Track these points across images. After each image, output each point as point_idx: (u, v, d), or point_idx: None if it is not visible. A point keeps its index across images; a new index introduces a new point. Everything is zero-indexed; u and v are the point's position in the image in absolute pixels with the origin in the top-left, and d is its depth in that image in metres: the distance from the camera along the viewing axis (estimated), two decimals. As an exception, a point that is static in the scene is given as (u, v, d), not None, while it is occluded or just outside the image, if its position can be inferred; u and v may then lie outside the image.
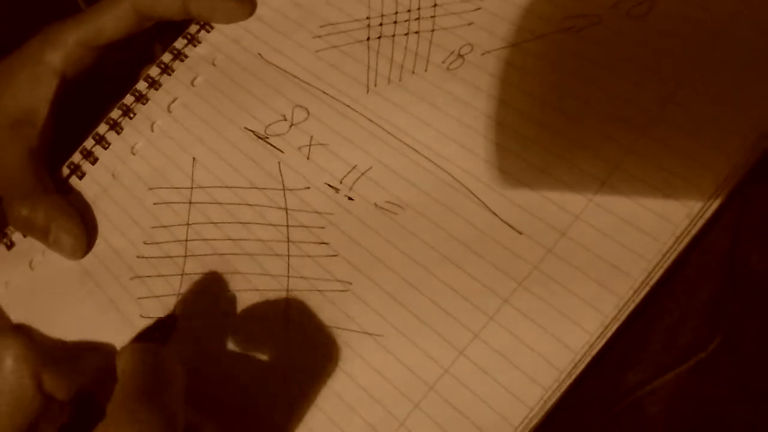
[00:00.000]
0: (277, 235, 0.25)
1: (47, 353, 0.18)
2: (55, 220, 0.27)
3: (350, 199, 0.25)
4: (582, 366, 0.20)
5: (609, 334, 0.20)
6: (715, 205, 0.21)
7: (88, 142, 0.30)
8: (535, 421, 0.20)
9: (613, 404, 0.22)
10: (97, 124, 0.31)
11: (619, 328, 0.20)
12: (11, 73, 0.30)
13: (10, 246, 0.30)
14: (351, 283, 0.23)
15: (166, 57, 0.31)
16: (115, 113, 0.30)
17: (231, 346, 0.24)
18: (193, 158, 0.28)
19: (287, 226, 0.25)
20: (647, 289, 0.21)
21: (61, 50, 0.30)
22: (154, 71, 0.30)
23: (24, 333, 0.18)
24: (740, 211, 0.21)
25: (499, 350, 0.21)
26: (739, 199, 0.21)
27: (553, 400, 0.20)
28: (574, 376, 0.20)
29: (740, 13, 0.22)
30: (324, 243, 0.24)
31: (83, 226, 0.28)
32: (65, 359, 0.19)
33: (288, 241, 0.25)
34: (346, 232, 0.24)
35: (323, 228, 0.25)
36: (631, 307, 0.20)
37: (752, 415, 0.20)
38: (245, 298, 0.24)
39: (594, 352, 0.20)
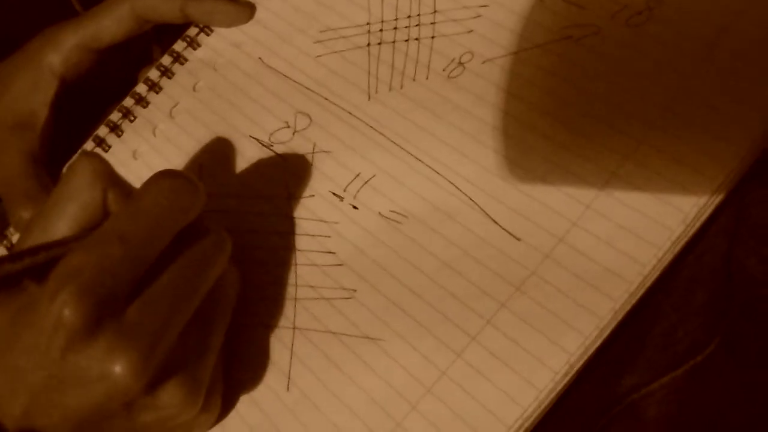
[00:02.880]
0: (284, 243, 0.25)
1: (116, 177, 0.21)
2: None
3: (355, 207, 0.25)
4: (577, 368, 0.21)
5: (604, 337, 0.21)
6: (711, 209, 0.21)
7: (89, 144, 0.30)
8: (529, 422, 0.20)
9: (610, 407, 0.22)
10: (96, 127, 0.31)
11: (616, 332, 0.21)
12: (11, 75, 0.30)
13: (9, 248, 0.30)
14: (355, 291, 0.24)
15: (166, 60, 0.31)
16: (116, 115, 0.30)
17: (237, 352, 0.24)
18: (200, 165, 0.28)
19: (294, 234, 0.25)
20: (642, 292, 0.21)
21: (60, 53, 0.30)
22: (153, 74, 0.31)
23: (97, 156, 0.21)
24: (737, 216, 0.22)
25: (495, 353, 0.21)
26: (736, 204, 0.22)
27: (548, 401, 0.21)
28: (568, 378, 0.21)
29: (738, 19, 0.23)
30: (330, 252, 0.25)
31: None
32: (130, 187, 0.22)
33: (295, 250, 0.25)
34: (352, 242, 0.25)
35: (329, 237, 0.25)
36: (627, 310, 0.21)
37: (749, 418, 0.21)
38: (252, 305, 0.25)
39: (589, 354, 0.21)
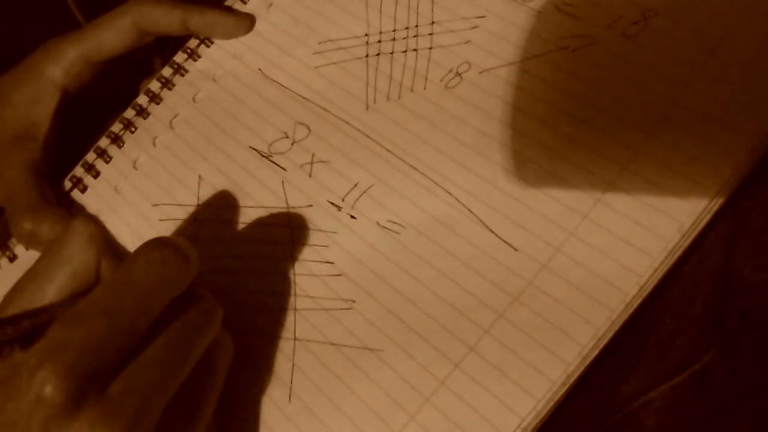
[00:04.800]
0: (283, 253, 0.26)
1: (111, 244, 0.21)
2: (58, 234, 0.28)
3: (353, 217, 0.25)
4: (574, 378, 0.21)
5: (602, 347, 0.21)
6: (707, 218, 0.21)
7: (90, 156, 0.30)
8: None
9: (609, 416, 0.22)
10: (97, 138, 0.31)
11: (614, 341, 0.21)
12: (12, 87, 0.30)
13: (12, 259, 0.30)
14: (354, 301, 0.24)
15: (167, 71, 0.31)
16: (117, 127, 0.30)
17: (238, 363, 0.24)
18: (199, 176, 0.28)
19: (292, 243, 0.26)
20: (640, 301, 0.21)
21: (62, 65, 0.30)
22: (154, 85, 0.31)
23: (93, 222, 0.21)
24: (735, 224, 0.22)
25: (494, 363, 0.21)
26: (733, 212, 0.22)
27: (546, 410, 0.21)
28: (566, 388, 0.21)
29: (734, 28, 0.23)
30: (329, 262, 0.25)
31: None
32: (124, 254, 0.22)
33: (293, 259, 0.25)
34: (350, 251, 0.25)
35: (327, 247, 0.25)
36: (624, 320, 0.21)
37: (747, 427, 0.21)
38: (253, 316, 0.25)
39: (586, 364, 0.21)
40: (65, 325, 0.18)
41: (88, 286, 0.21)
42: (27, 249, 0.30)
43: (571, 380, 0.21)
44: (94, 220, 0.22)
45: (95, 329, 0.18)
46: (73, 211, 0.30)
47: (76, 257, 0.20)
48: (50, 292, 0.20)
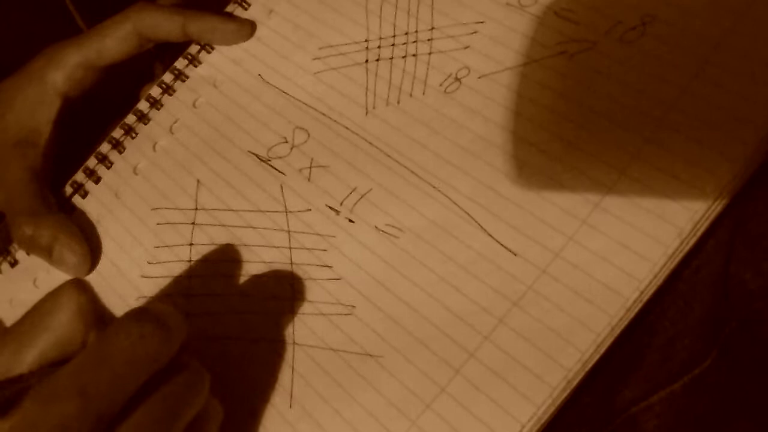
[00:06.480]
0: (281, 257, 0.26)
1: (101, 313, 0.20)
2: (58, 240, 0.28)
3: (351, 221, 0.25)
4: (575, 384, 0.21)
5: (602, 352, 0.21)
6: (707, 223, 0.21)
7: (91, 161, 0.31)
8: None
9: (609, 420, 0.22)
10: (98, 143, 0.31)
11: (614, 346, 0.21)
12: (14, 93, 0.31)
13: (14, 264, 0.30)
14: (354, 307, 0.24)
15: (168, 77, 0.31)
16: (117, 132, 0.31)
17: (236, 367, 0.24)
18: (198, 180, 0.28)
19: (290, 248, 0.26)
20: (640, 307, 0.21)
21: (63, 71, 0.30)
22: (155, 91, 0.31)
23: (86, 289, 0.20)
24: (734, 229, 0.22)
25: (494, 369, 0.21)
26: (733, 217, 0.22)
27: (546, 416, 0.21)
28: (566, 393, 0.21)
29: (732, 33, 0.23)
30: (327, 266, 0.25)
31: (86, 245, 0.28)
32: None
33: (291, 263, 0.25)
34: (347, 255, 0.25)
35: (325, 251, 0.25)
36: (624, 325, 0.21)
37: (747, 431, 0.21)
38: (252, 320, 0.25)
39: (587, 370, 0.21)
40: (39, 402, 0.17)
41: (73, 354, 0.20)
42: (28, 254, 0.30)
43: (572, 386, 0.21)
44: (86, 287, 0.21)
45: (69, 411, 0.17)
46: (74, 216, 0.30)
47: (61, 327, 0.20)
48: (29, 358, 0.20)
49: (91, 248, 0.28)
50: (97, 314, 0.20)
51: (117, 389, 0.18)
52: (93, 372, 0.18)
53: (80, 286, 0.20)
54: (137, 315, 0.19)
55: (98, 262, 0.28)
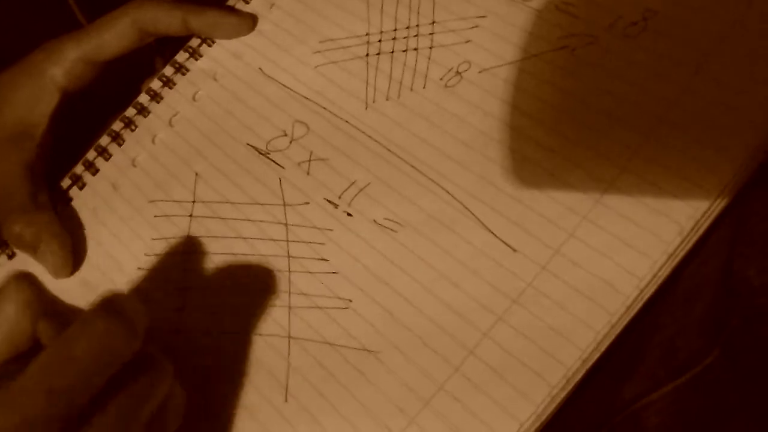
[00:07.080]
0: (278, 250, 0.25)
1: (49, 305, 0.20)
2: (42, 240, 0.28)
3: (349, 215, 0.25)
4: (575, 382, 0.20)
5: (602, 350, 0.21)
6: (708, 221, 0.21)
7: (90, 154, 0.31)
8: None
9: (611, 417, 0.22)
10: (98, 137, 0.31)
11: (615, 343, 0.21)
12: (12, 86, 0.30)
13: (11, 256, 0.30)
14: (351, 301, 0.24)
15: (168, 70, 0.31)
16: (117, 125, 0.31)
17: (233, 362, 0.24)
18: (196, 173, 0.28)
19: (287, 241, 0.25)
20: (641, 304, 0.21)
21: (62, 66, 0.30)
22: (155, 84, 0.31)
23: (32, 282, 0.20)
24: (736, 226, 0.22)
25: (493, 366, 0.21)
26: (735, 214, 0.22)
27: (546, 415, 0.20)
28: (566, 391, 0.20)
29: (733, 29, 0.23)
30: (324, 259, 0.25)
31: (69, 248, 0.28)
32: (64, 313, 0.20)
33: (288, 257, 0.25)
34: (345, 248, 0.25)
35: (323, 244, 0.25)
36: (625, 323, 0.21)
37: (749, 428, 0.21)
38: (246, 313, 0.25)
39: (587, 368, 0.21)
40: (5, 408, 0.17)
41: (24, 350, 0.20)
42: (14, 250, 0.30)
43: (572, 384, 0.20)
44: (33, 279, 0.20)
45: (36, 411, 0.17)
46: (70, 208, 0.30)
47: (8, 321, 0.19)
48: None
49: (77, 249, 0.28)
50: (45, 305, 0.20)
51: (84, 386, 0.18)
52: (60, 371, 0.18)
53: (26, 278, 0.20)
54: (104, 310, 0.19)
55: (81, 264, 0.28)
